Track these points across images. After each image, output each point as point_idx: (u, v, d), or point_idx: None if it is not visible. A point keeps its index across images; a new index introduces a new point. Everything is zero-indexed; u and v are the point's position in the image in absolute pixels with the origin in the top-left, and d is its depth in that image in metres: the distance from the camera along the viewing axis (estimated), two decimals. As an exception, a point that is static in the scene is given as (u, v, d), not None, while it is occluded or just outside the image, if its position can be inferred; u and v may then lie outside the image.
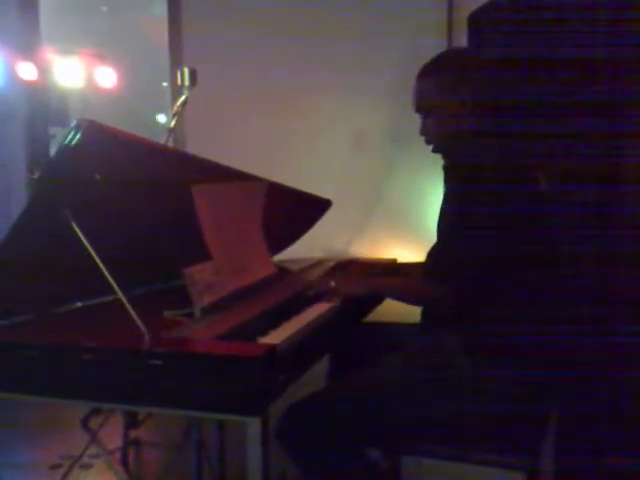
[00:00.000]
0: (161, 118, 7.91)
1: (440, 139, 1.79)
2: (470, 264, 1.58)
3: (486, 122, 1.74)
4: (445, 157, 1.84)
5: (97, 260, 1.48)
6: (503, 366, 1.57)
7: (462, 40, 3.49)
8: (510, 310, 1.58)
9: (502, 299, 1.59)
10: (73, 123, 1.34)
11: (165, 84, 5.99)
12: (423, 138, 1.81)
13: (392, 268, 2.37)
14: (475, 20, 3.33)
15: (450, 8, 4.13)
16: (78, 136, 1.35)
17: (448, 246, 1.70)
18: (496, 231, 1.55)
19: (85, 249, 1.48)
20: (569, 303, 1.79)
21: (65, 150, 1.37)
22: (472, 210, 1.58)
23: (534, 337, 1.59)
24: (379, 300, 2.20)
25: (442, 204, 1.83)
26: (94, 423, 2.92)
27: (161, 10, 4.58)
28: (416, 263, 2.22)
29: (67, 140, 1.35)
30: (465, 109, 1.71)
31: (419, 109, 1.79)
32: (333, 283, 1.89)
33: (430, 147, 1.82)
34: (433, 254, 1.86)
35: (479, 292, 1.59)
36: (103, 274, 1.48)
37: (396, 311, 2.07)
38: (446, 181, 1.86)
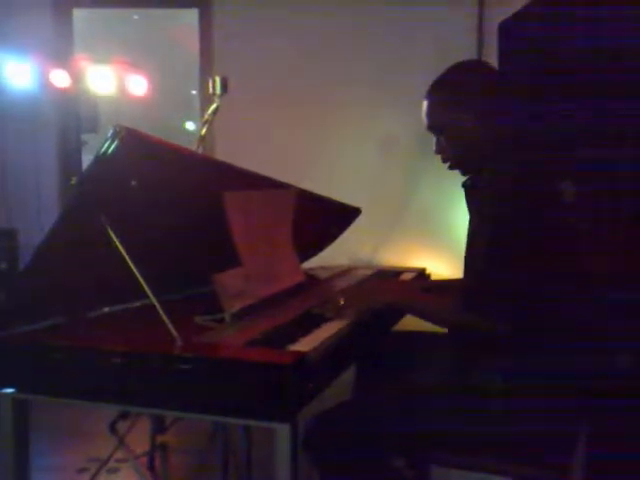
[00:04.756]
0: (190, 126, 7.99)
1: (454, 156, 1.76)
2: (523, 299, 1.52)
3: (505, 133, 1.72)
4: (463, 173, 1.81)
5: (132, 265, 1.50)
6: (535, 383, 1.56)
7: (492, 48, 3.49)
8: (546, 335, 1.57)
9: (541, 325, 1.57)
10: (111, 131, 1.37)
11: (194, 92, 6.05)
12: (440, 157, 1.79)
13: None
14: (505, 29, 3.33)
15: (480, 16, 4.13)
16: (115, 143, 1.37)
17: (490, 274, 1.57)
18: (534, 258, 1.52)
19: (120, 254, 1.50)
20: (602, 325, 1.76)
21: (103, 157, 1.39)
22: (508, 233, 1.54)
23: (567, 358, 1.58)
24: (400, 314, 2.07)
25: (470, 223, 1.79)
26: (121, 427, 2.95)
27: (192, 19, 4.63)
28: (450, 281, 2.18)
29: (105, 147, 1.37)
30: (476, 122, 1.68)
31: (429, 128, 1.77)
32: (342, 301, 1.77)
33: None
34: (472, 280, 1.70)
35: (527, 325, 1.55)
36: (137, 279, 1.50)
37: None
38: (468, 200, 1.85)
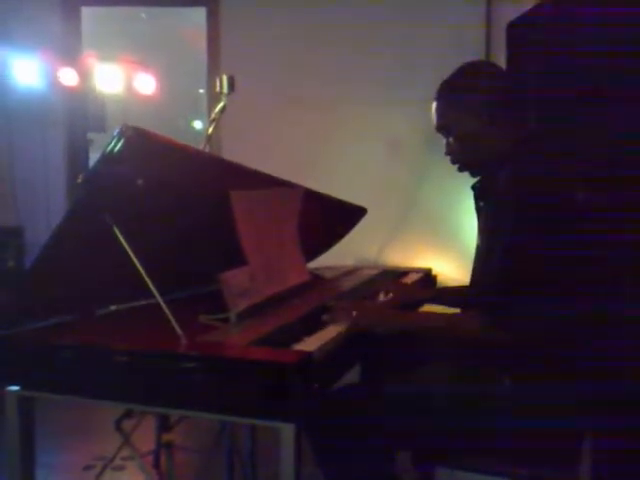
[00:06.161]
0: (197, 124, 8.01)
1: (463, 158, 1.77)
2: (537, 312, 1.52)
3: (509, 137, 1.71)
4: (472, 175, 1.82)
5: (137, 264, 1.50)
6: (541, 382, 1.55)
7: (501, 45, 3.47)
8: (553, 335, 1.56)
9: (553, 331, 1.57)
10: (117, 130, 1.37)
11: (202, 91, 6.06)
12: (449, 158, 1.80)
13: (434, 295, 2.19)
14: (514, 29, 3.31)
15: (488, 18, 4.12)
16: (122, 142, 1.37)
17: (507, 291, 1.56)
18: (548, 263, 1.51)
19: (125, 253, 1.50)
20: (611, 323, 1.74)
21: (109, 156, 1.39)
22: (520, 242, 1.53)
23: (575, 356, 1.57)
24: None
25: (479, 228, 1.80)
26: (127, 426, 2.95)
27: (200, 18, 4.63)
28: (459, 289, 2.16)
29: (111, 146, 1.37)
30: (483, 125, 1.69)
31: (439, 129, 1.79)
32: (355, 313, 1.75)
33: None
34: (487, 296, 1.65)
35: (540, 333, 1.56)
36: (142, 278, 1.50)
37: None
38: (477, 201, 1.84)
